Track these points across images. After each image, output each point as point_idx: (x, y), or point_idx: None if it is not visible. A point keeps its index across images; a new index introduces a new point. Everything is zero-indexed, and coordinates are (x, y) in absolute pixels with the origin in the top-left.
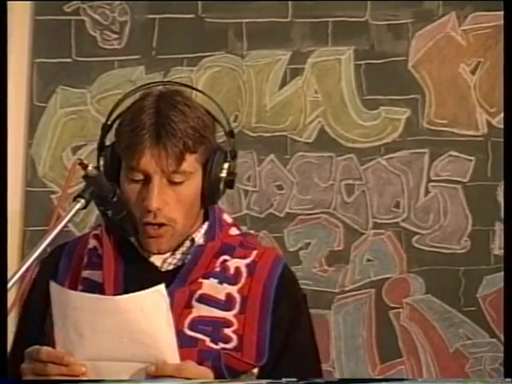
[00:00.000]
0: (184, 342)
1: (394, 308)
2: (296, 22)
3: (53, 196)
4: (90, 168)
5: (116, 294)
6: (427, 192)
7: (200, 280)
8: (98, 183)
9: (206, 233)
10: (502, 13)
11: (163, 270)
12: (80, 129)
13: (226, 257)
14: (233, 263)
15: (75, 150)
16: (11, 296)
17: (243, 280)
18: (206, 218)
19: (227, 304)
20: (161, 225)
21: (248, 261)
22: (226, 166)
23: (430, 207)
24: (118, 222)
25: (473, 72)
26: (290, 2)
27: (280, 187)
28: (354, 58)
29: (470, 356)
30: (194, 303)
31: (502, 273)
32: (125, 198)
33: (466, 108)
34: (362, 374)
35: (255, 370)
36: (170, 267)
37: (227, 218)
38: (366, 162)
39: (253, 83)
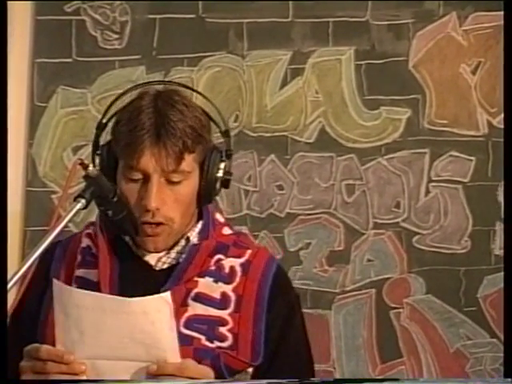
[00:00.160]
0: (179, 341)
1: (395, 308)
2: (297, 22)
3: (53, 196)
4: (90, 168)
5: (112, 292)
6: (428, 192)
7: (195, 279)
8: (99, 183)
9: (200, 232)
10: (502, 13)
11: (157, 268)
12: (81, 129)
13: (220, 256)
14: (227, 262)
15: (76, 150)
16: (11, 296)
17: (238, 279)
18: (199, 217)
19: (222, 303)
20: (158, 224)
21: (242, 260)
22: (222, 165)
23: (431, 207)
24: (118, 222)
25: (473, 72)
26: (290, 2)
27: (280, 187)
28: (355, 58)
29: (470, 356)
30: (190, 302)
31: (503, 273)
32: (125, 196)
33: (466, 108)
34: (362, 374)
35: (250, 369)
36: (165, 266)
37: (220, 218)
38: (366, 162)
39: (253, 83)
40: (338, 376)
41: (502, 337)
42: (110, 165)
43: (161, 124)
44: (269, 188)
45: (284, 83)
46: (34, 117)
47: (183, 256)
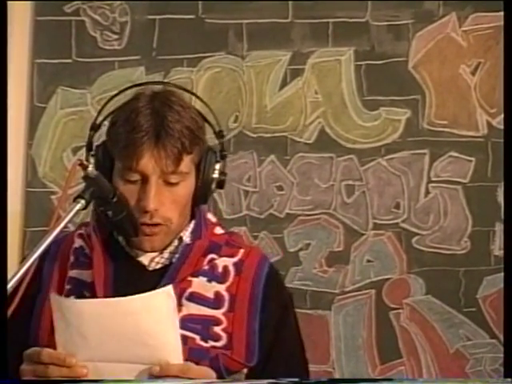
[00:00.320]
0: None
1: (394, 309)
2: (296, 23)
3: (53, 196)
4: (90, 169)
5: (106, 293)
6: (427, 193)
7: (189, 278)
8: (98, 184)
9: (193, 232)
10: (502, 13)
11: (151, 268)
12: (80, 129)
13: (213, 255)
14: (221, 262)
15: (75, 150)
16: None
17: (231, 278)
18: (191, 217)
19: (216, 302)
20: (156, 224)
21: (235, 259)
22: (217, 166)
23: (430, 208)
24: (118, 223)
25: (473, 73)
26: (290, 3)
27: (280, 188)
28: (355, 59)
29: (470, 357)
30: (184, 301)
31: (502, 273)
32: (124, 196)
33: (466, 109)
34: (362, 375)
35: (244, 370)
36: (158, 266)
37: (211, 217)
38: (366, 163)
39: (253, 84)
40: (337, 376)
41: (501, 337)
42: (105, 165)
43: (160, 125)
44: (268, 188)
45: (284, 84)
46: (34, 117)
47: (176, 256)
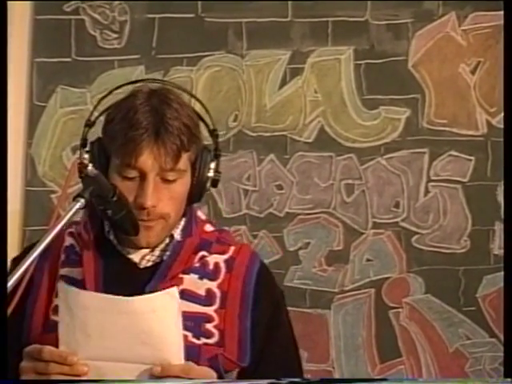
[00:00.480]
0: None
1: (394, 308)
2: (296, 22)
3: (53, 195)
4: (89, 167)
5: (97, 290)
6: (427, 192)
7: (180, 276)
8: (98, 183)
9: (184, 229)
10: (501, 13)
11: (142, 266)
12: (80, 128)
13: (204, 253)
14: (212, 259)
15: (75, 149)
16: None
17: (222, 275)
18: (184, 215)
19: (208, 299)
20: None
21: (226, 256)
22: (212, 165)
23: (430, 207)
24: (118, 222)
25: (473, 72)
26: (289, 2)
27: (280, 187)
28: (354, 58)
29: (469, 356)
30: None
31: (502, 272)
32: (124, 195)
33: (465, 108)
34: (361, 374)
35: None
36: (149, 264)
37: (201, 215)
38: (365, 162)
39: (253, 83)
40: (337, 376)
41: (501, 336)
42: (101, 162)
43: (159, 122)
44: (268, 187)
45: (283, 83)
46: (34, 116)
47: (167, 253)
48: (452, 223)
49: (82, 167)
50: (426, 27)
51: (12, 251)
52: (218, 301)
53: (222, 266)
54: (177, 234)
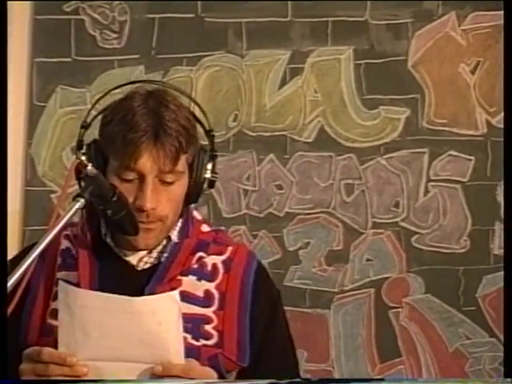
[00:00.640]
0: None
1: (394, 307)
2: (296, 22)
3: (52, 195)
4: (89, 167)
5: None
6: (427, 192)
7: (179, 277)
8: (98, 183)
9: (180, 230)
10: (501, 12)
11: (139, 268)
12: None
13: (201, 253)
14: (209, 260)
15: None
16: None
17: (220, 276)
18: (180, 216)
19: (206, 300)
20: (153, 221)
21: (224, 257)
22: (209, 166)
23: (430, 207)
24: (117, 222)
25: (472, 72)
26: (289, 2)
27: (279, 187)
28: (354, 58)
29: (469, 356)
30: None
31: (502, 272)
32: (124, 195)
33: (465, 108)
34: (361, 374)
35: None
36: (147, 266)
37: (197, 215)
38: (365, 162)
39: (252, 83)
40: (336, 375)
41: (501, 336)
42: (98, 164)
43: (158, 125)
44: (268, 187)
45: (283, 83)
46: (33, 116)
47: (165, 255)
48: (452, 223)
49: (81, 167)
50: (426, 27)
51: (12, 251)
52: (216, 302)
53: (220, 266)
54: (174, 236)
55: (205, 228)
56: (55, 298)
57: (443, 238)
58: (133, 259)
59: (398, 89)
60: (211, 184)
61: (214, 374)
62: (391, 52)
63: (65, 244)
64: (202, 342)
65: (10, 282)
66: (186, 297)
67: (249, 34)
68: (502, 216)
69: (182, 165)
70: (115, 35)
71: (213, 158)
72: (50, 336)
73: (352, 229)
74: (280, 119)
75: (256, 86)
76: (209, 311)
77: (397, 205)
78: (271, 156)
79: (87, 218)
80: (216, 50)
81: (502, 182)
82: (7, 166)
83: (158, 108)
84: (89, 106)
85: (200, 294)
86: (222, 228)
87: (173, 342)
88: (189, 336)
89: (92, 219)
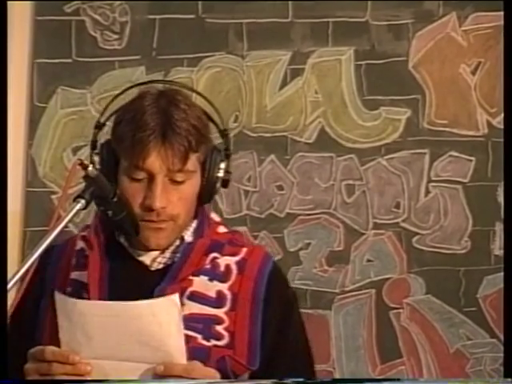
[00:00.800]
0: None
1: (395, 308)
2: (296, 23)
3: (53, 196)
4: (90, 168)
5: (101, 293)
6: (427, 192)
7: (190, 277)
8: (98, 183)
9: (195, 231)
10: (502, 13)
11: (153, 268)
12: (80, 129)
13: (215, 254)
14: (223, 261)
15: (75, 150)
16: (11, 296)
17: (234, 277)
18: (194, 217)
19: (218, 301)
20: (163, 220)
21: (238, 258)
22: (222, 165)
23: (431, 207)
24: (118, 222)
25: (473, 72)
26: (290, 3)
27: (280, 187)
28: (355, 59)
29: (470, 356)
30: (185, 301)
31: (503, 273)
32: (125, 196)
33: (466, 108)
34: (362, 374)
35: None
36: (160, 266)
37: (215, 217)
38: (366, 163)
39: (253, 83)
40: (337, 376)
41: (501, 337)
42: (110, 164)
43: (167, 124)
44: (269, 188)
45: (284, 83)
46: (34, 117)
47: (178, 255)
48: (452, 224)
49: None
50: (427, 28)
51: (13, 252)
52: (228, 303)
53: (234, 267)
54: (187, 236)
55: (221, 229)
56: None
57: (444, 238)
58: (146, 259)
59: (399, 89)
60: (225, 183)
61: (217, 375)
62: (392, 52)
63: (80, 245)
64: (213, 342)
65: (11, 283)
66: (197, 297)
67: (249, 35)
68: (503, 216)
69: (192, 164)
70: (116, 36)
71: (227, 157)
72: None
73: (353, 229)
74: (281, 120)
75: (257, 87)
76: (220, 312)
77: (397, 205)
78: (272, 157)
79: (101, 219)
80: (217, 51)
81: (503, 183)
82: (7, 166)
83: (168, 107)
84: (89, 107)
85: (212, 294)
86: (241, 230)
87: (174, 343)
88: (199, 336)
89: (105, 220)
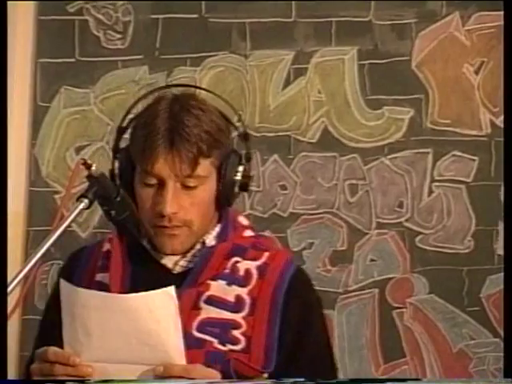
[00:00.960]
0: (192, 344)
1: (398, 308)
2: (299, 22)
3: (56, 196)
4: (93, 168)
5: (121, 293)
6: (431, 192)
7: (208, 282)
8: (102, 183)
9: (219, 235)
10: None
11: (175, 272)
12: (83, 129)
13: (237, 258)
14: (243, 265)
15: (79, 149)
16: (15, 296)
17: (254, 282)
18: (219, 221)
19: (236, 306)
20: (176, 226)
21: (259, 263)
22: (240, 168)
23: (434, 207)
24: (120, 222)
25: (476, 72)
26: (293, 2)
27: (283, 187)
28: (358, 58)
29: (473, 356)
30: (202, 305)
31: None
32: (139, 201)
33: (469, 108)
34: (365, 374)
35: (265, 375)
36: (182, 269)
37: (242, 220)
38: (369, 162)
39: (256, 83)
40: (340, 376)
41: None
42: (127, 169)
43: (175, 129)
44: (272, 188)
45: (287, 83)
46: (37, 117)
47: (197, 259)
48: (456, 223)
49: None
50: (430, 27)
51: (16, 252)
52: (247, 307)
53: (254, 272)
54: (209, 240)
55: (247, 233)
56: None
57: (447, 238)
58: (169, 262)
59: (402, 89)
60: (244, 187)
61: (217, 375)
62: (395, 52)
63: (106, 247)
64: (229, 346)
65: (14, 283)
66: (215, 301)
67: (252, 35)
68: (504, 216)
69: (203, 169)
70: (119, 36)
71: (247, 160)
72: None
73: (356, 229)
74: (284, 119)
75: (260, 87)
76: (238, 316)
77: (401, 205)
78: (275, 156)
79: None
80: (220, 51)
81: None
82: (7, 167)
83: (180, 113)
84: (92, 107)
85: (230, 298)
86: (267, 234)
87: (172, 342)
88: (215, 341)
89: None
